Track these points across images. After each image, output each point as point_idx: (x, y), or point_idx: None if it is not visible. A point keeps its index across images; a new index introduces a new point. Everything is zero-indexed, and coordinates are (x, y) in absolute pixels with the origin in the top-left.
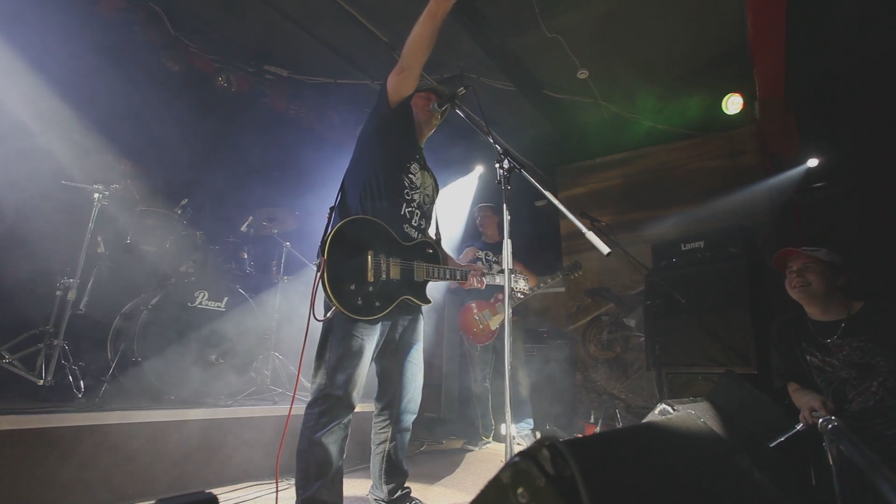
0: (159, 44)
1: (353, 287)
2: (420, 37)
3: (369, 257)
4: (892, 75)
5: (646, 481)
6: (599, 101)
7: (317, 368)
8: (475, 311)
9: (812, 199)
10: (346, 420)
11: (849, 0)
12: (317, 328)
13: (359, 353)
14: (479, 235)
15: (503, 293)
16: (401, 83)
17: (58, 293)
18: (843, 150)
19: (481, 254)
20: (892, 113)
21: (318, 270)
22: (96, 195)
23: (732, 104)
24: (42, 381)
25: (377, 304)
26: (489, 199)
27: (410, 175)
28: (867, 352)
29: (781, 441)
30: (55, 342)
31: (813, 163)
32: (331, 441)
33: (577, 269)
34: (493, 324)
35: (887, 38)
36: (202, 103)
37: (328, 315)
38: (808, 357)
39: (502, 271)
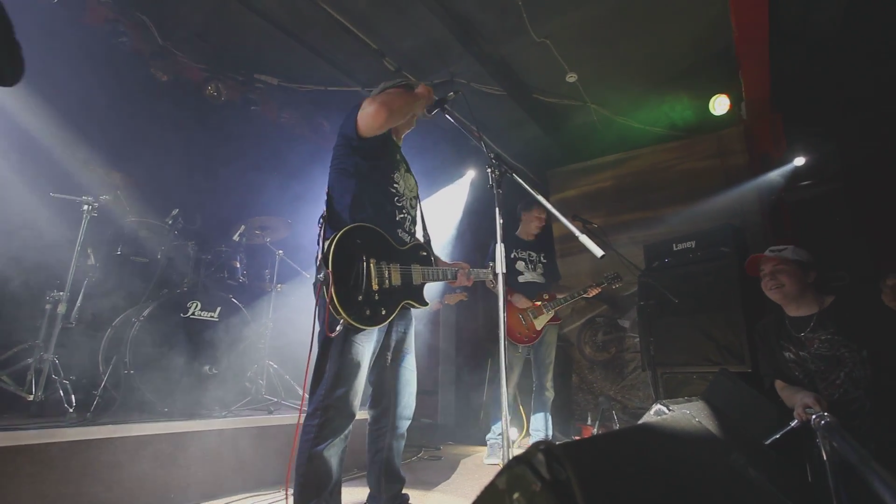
0: (148, 54)
1: (360, 298)
2: (401, 109)
3: (372, 265)
4: (874, 75)
5: (642, 483)
6: (589, 104)
7: (316, 380)
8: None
9: (800, 198)
10: (346, 432)
11: (831, 1)
12: (317, 339)
13: (359, 363)
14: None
15: (548, 293)
16: (372, 125)
17: (47, 306)
18: (828, 150)
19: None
20: (874, 112)
21: (323, 284)
22: (86, 207)
23: (719, 105)
24: (32, 396)
25: (383, 311)
26: (481, 204)
27: (395, 185)
28: (834, 344)
29: (776, 438)
30: (45, 356)
31: (799, 162)
32: (331, 454)
33: (619, 280)
34: (539, 324)
35: (869, 38)
36: (192, 113)
37: (338, 329)
38: (785, 353)
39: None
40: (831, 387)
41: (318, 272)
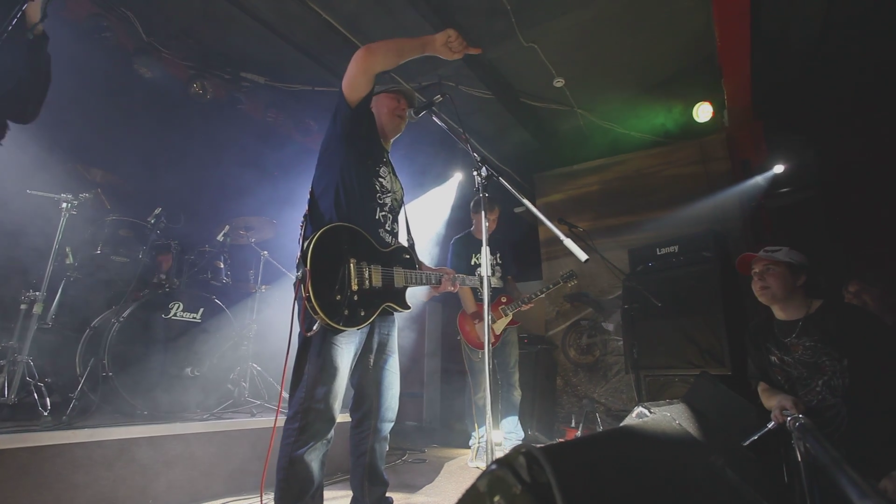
0: (132, 49)
1: (338, 298)
2: (398, 53)
3: (352, 265)
4: (851, 84)
5: (621, 485)
6: (576, 109)
7: (296, 382)
8: (477, 314)
9: (779, 204)
10: (328, 436)
11: (809, 13)
12: (295, 339)
13: (339, 365)
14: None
15: (506, 296)
16: (353, 72)
17: (22, 307)
18: (807, 157)
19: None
20: (850, 120)
21: (301, 282)
22: (64, 205)
23: (703, 112)
24: (5, 399)
25: (362, 313)
26: (468, 206)
27: (381, 179)
28: (816, 351)
29: (754, 439)
30: (19, 358)
31: (779, 169)
32: (313, 458)
33: (573, 278)
34: (498, 328)
35: (847, 48)
36: (176, 110)
37: (315, 328)
38: (770, 356)
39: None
40: (810, 393)
41: (297, 270)
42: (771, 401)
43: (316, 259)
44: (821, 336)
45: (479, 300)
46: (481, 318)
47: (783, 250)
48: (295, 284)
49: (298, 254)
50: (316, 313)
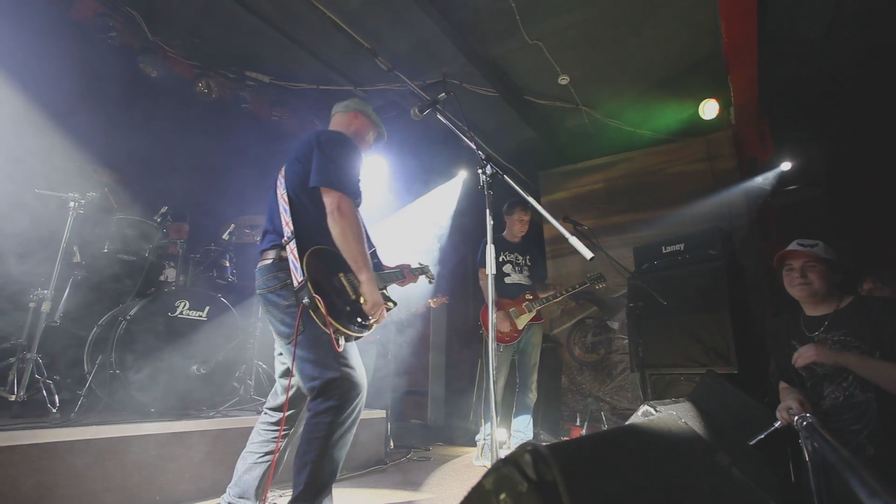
0: (137, 49)
1: (347, 308)
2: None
3: (343, 278)
4: (858, 82)
5: (627, 483)
6: (580, 107)
7: (320, 366)
8: (499, 305)
9: (786, 202)
10: (359, 408)
11: (816, 10)
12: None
13: (359, 361)
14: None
15: (531, 293)
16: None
17: (31, 305)
18: (813, 154)
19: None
20: (857, 117)
21: (311, 309)
22: (72, 203)
23: (709, 109)
24: (14, 396)
25: (370, 318)
26: (472, 205)
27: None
28: (845, 345)
29: (761, 438)
30: (28, 355)
31: (786, 166)
32: (343, 447)
33: (602, 280)
34: (521, 323)
35: (854, 46)
36: (182, 110)
37: (342, 342)
38: (794, 354)
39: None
40: (837, 389)
41: (298, 294)
42: (783, 401)
43: (316, 282)
44: (850, 330)
45: (501, 296)
46: (502, 308)
47: (820, 245)
48: (290, 297)
49: (296, 278)
50: (340, 332)
